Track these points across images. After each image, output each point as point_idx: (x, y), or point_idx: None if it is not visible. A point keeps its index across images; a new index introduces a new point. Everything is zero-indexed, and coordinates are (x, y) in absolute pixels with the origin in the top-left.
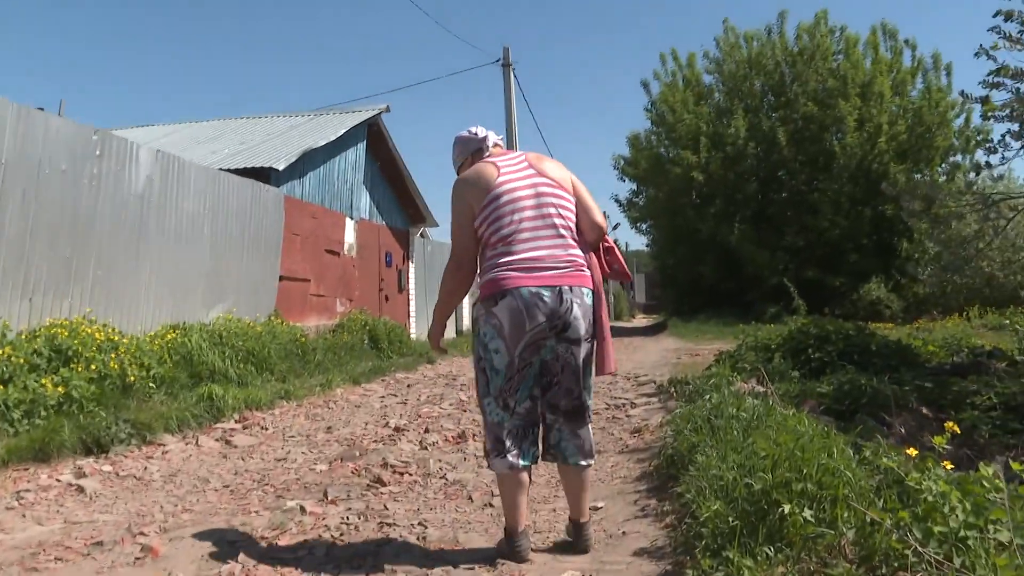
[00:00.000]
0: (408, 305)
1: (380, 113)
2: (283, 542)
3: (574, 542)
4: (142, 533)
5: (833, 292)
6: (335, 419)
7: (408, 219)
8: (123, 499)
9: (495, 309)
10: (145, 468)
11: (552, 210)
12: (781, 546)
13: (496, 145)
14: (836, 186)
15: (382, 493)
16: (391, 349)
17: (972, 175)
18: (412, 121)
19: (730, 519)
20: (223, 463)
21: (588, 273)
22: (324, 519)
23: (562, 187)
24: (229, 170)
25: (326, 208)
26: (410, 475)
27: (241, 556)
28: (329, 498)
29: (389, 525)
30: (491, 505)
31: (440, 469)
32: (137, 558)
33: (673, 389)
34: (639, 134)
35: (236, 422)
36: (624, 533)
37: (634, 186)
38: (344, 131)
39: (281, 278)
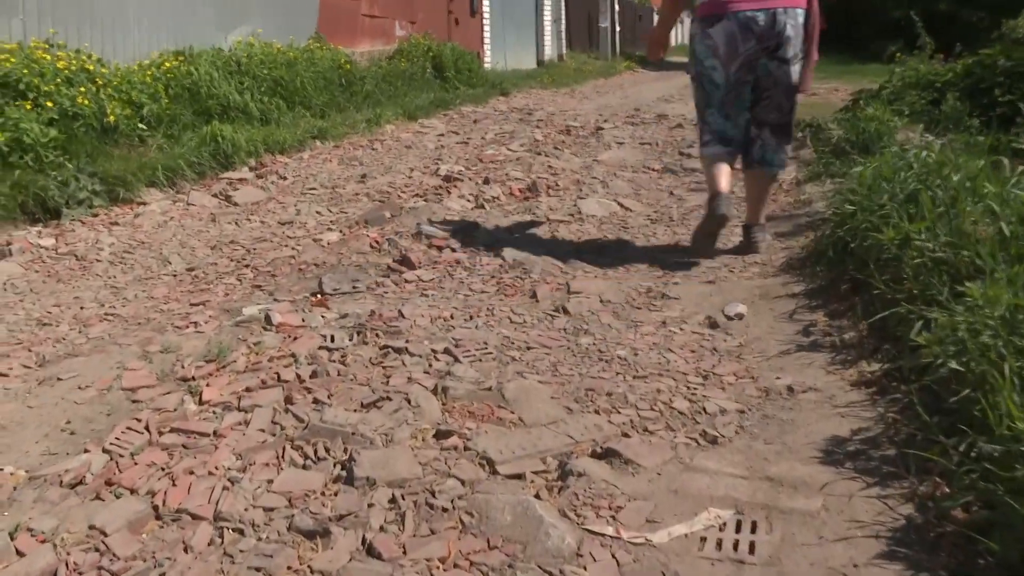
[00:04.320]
0: (482, 30)
1: None
2: (209, 393)
3: (745, 244)
4: None
5: (968, 29)
6: (374, 164)
7: None
8: (37, 293)
9: (711, 31)
10: (96, 241)
11: None
12: None
13: None
14: None
15: (405, 282)
16: (459, 79)
17: None
18: None
19: None
20: (207, 230)
21: None
22: (295, 339)
23: None
24: None
25: None
26: (451, 250)
27: (116, 434)
28: (322, 293)
29: (397, 352)
30: (565, 312)
31: (496, 241)
32: None
33: (803, 134)
34: None
35: (250, 170)
36: (790, 389)
37: None
38: None
39: None
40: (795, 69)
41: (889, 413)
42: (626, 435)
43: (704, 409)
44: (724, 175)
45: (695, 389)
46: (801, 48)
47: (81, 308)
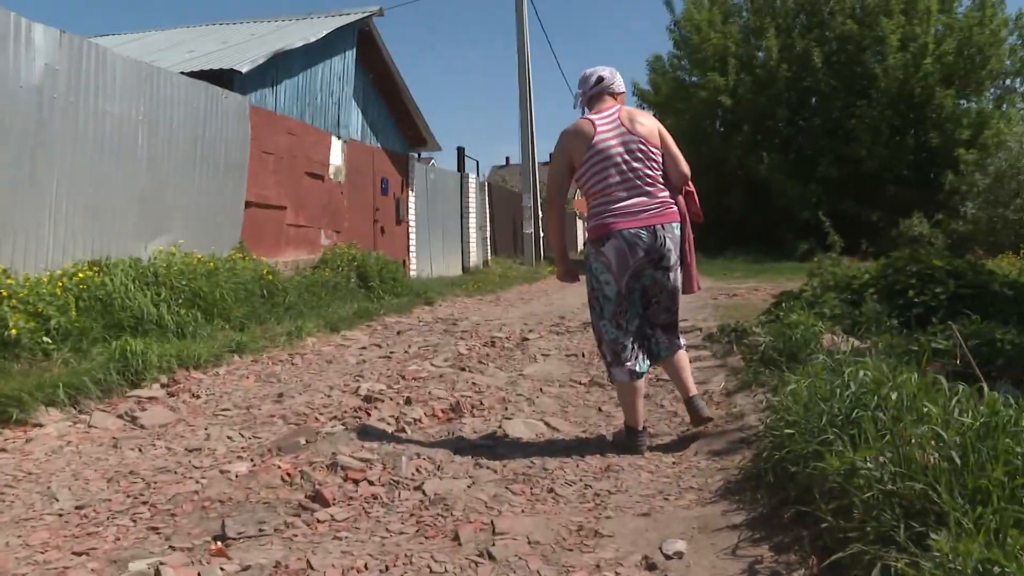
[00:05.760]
0: (408, 238)
1: (372, 16)
2: None
3: (690, 415)
4: None
5: (870, 227)
6: (293, 381)
7: (407, 142)
8: None
9: (603, 249)
10: None
11: (640, 163)
12: None
13: (599, 91)
14: (875, 112)
15: (318, 522)
16: (383, 288)
17: None
18: (410, 39)
19: None
20: (107, 457)
21: (676, 209)
22: None
23: (650, 142)
24: (186, 74)
25: (307, 124)
26: (369, 483)
27: None
28: (224, 538)
29: None
30: (491, 557)
31: (416, 472)
32: None
33: (729, 339)
34: (661, 56)
35: (162, 387)
36: None
37: (654, 113)
38: (326, 32)
39: (248, 204)
40: (676, 275)
41: None
42: None
43: None
44: (639, 401)
45: None
46: (678, 255)
47: None
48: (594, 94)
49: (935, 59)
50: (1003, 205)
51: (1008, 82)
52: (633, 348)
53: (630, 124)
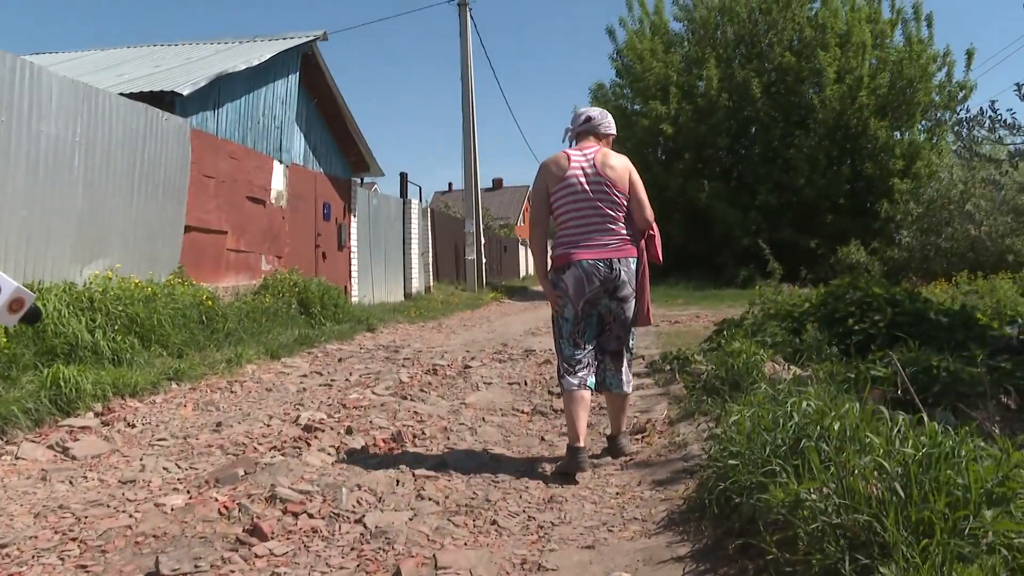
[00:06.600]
0: (350, 264)
1: (315, 40)
2: None
3: (610, 450)
4: None
5: (809, 255)
6: (232, 410)
7: (350, 167)
8: None
9: (564, 276)
10: None
11: (604, 203)
12: None
13: (585, 130)
14: (813, 142)
15: (256, 557)
16: (324, 315)
17: (955, 131)
18: (354, 64)
19: None
20: (35, 491)
21: (633, 245)
22: None
23: (616, 186)
24: (126, 96)
25: (248, 148)
26: (308, 516)
27: None
28: (158, 575)
29: None
30: None
31: (357, 504)
32: None
33: (671, 367)
34: (603, 85)
35: (96, 416)
36: None
37: None
38: (270, 56)
39: (188, 228)
40: (630, 306)
41: None
42: None
43: None
44: (583, 412)
45: None
46: (633, 288)
47: None
48: (580, 132)
49: (870, 91)
50: (935, 233)
51: (939, 115)
52: (588, 364)
53: (601, 166)
